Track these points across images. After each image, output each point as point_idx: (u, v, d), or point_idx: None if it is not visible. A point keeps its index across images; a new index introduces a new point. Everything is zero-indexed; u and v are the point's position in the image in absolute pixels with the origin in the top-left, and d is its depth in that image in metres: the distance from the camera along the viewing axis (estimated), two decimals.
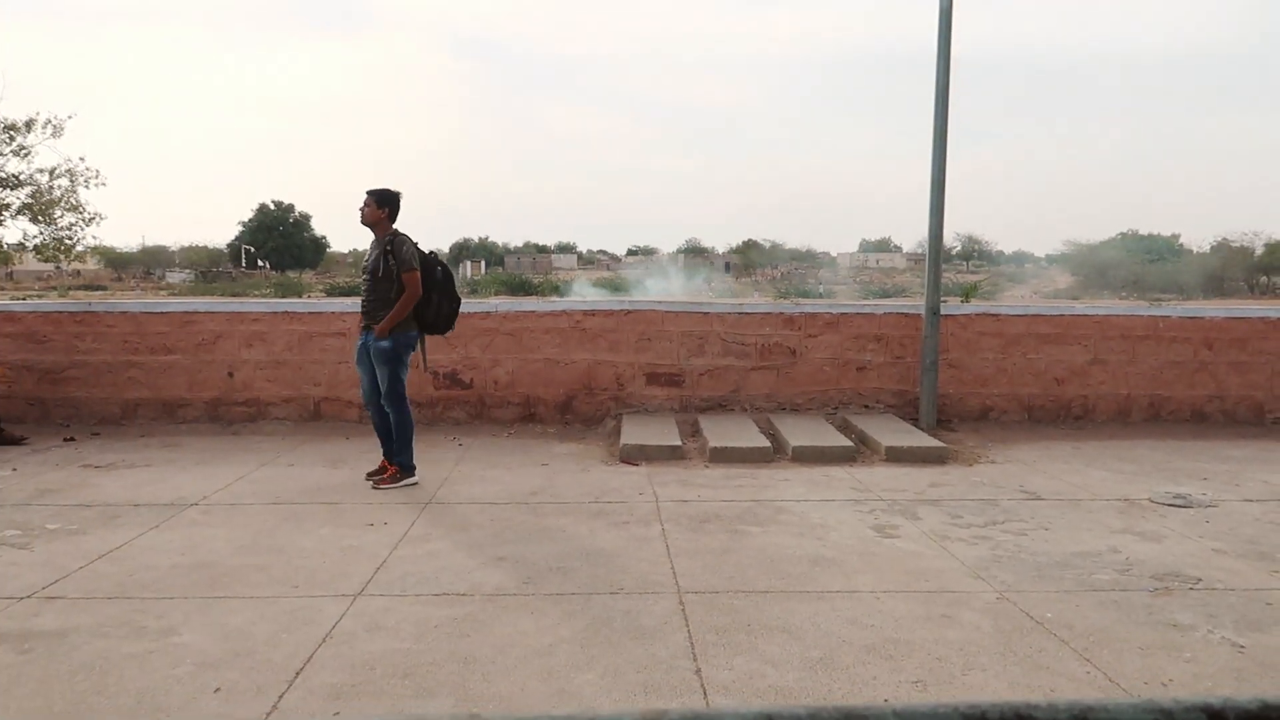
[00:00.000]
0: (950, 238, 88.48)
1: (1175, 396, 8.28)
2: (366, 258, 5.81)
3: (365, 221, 5.68)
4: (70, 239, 28.68)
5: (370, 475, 5.91)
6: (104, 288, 57.45)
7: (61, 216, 28.50)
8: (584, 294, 42.13)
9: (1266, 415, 8.25)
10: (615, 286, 52.37)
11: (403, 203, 5.71)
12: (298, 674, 3.09)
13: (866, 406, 8.07)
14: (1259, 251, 64.44)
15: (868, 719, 0.55)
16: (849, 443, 6.82)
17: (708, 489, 5.71)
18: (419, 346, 5.83)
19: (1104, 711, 0.54)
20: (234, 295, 37.66)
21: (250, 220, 76.29)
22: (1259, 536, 4.76)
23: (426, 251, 5.74)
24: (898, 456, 6.60)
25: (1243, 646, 3.37)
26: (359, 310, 5.92)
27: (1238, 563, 4.34)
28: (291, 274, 67.55)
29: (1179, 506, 5.35)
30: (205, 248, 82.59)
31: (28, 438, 7.07)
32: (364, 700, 2.92)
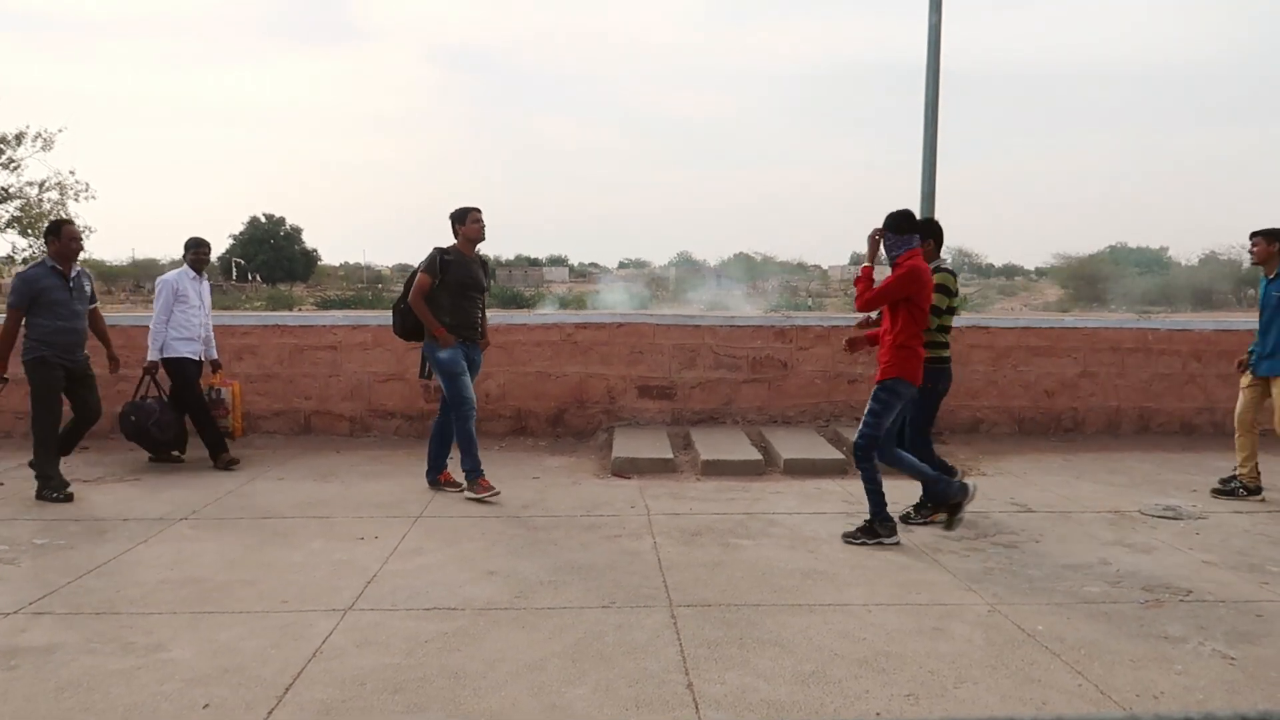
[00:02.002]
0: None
1: (1164, 409, 8.33)
2: (458, 271, 5.72)
3: (484, 238, 5.89)
4: None
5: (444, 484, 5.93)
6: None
7: None
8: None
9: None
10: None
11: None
12: (287, 690, 3.07)
13: (858, 419, 8.07)
14: (1246, 264, 64.85)
15: None
16: (841, 455, 6.82)
17: (699, 502, 5.71)
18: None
19: None
20: (224, 308, 37.51)
21: (241, 233, 76.10)
22: (1249, 548, 4.78)
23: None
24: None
25: (1233, 658, 3.38)
26: (463, 324, 5.78)
27: (1228, 574, 4.35)
28: (282, 287, 67.35)
29: (1169, 518, 5.37)
30: None
31: (238, 460, 6.69)
32: (354, 717, 2.90)
